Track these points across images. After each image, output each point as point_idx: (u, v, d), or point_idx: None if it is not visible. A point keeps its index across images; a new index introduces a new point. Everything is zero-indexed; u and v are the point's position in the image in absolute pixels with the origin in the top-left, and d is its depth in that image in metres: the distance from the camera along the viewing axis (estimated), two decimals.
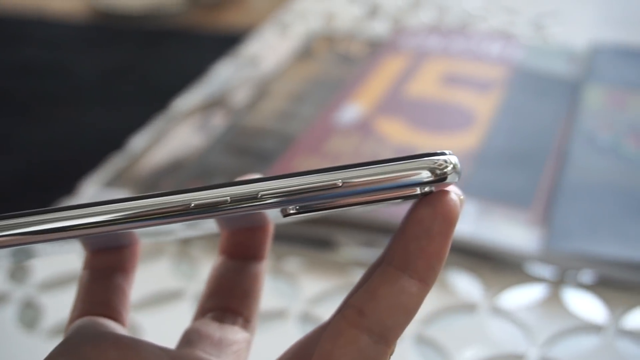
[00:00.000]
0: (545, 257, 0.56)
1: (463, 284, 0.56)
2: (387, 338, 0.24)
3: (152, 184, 0.69)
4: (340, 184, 0.22)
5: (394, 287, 0.24)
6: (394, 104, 0.77)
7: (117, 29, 2.51)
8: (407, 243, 0.24)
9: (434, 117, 0.75)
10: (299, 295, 0.56)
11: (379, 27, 1.01)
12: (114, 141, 0.89)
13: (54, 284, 0.59)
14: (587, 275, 0.55)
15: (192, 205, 0.22)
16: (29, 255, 0.34)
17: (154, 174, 0.70)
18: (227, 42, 1.24)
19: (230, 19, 2.53)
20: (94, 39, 2.48)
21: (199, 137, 0.76)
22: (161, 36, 2.43)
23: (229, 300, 0.32)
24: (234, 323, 0.31)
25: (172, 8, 2.57)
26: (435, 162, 0.23)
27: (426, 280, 0.24)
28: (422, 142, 0.70)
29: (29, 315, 0.56)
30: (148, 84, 2.12)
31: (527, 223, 0.59)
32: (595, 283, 0.55)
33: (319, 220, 0.59)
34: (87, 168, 0.75)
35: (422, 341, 0.51)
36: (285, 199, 0.23)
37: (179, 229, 0.29)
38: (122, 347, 0.26)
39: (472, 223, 0.59)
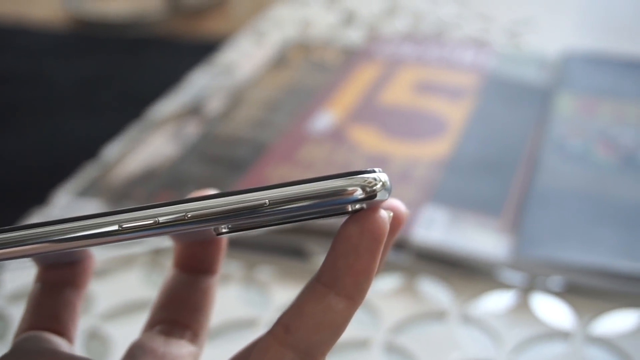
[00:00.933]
0: (514, 264, 0.57)
1: (433, 291, 0.56)
2: (313, 355, 0.24)
3: (124, 194, 0.68)
4: (267, 203, 0.23)
5: (321, 305, 0.24)
6: (367, 112, 0.78)
7: (97, 37, 2.51)
8: (335, 260, 0.24)
9: (406, 125, 0.75)
10: (270, 305, 0.56)
11: (354, 35, 1.01)
12: (92, 150, 0.89)
13: (23, 295, 0.59)
14: (556, 282, 0.56)
15: (120, 227, 0.23)
16: None
17: (127, 184, 0.70)
18: (207, 50, 1.24)
19: (211, 26, 2.52)
20: (73, 47, 2.47)
21: (173, 146, 0.76)
22: (141, 44, 2.42)
23: (178, 313, 0.31)
24: (181, 337, 0.31)
25: (153, 16, 2.57)
26: (365, 180, 0.23)
27: (354, 297, 0.24)
28: (393, 149, 0.70)
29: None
30: (127, 93, 2.11)
31: (497, 230, 0.59)
32: (564, 289, 0.55)
33: (290, 230, 0.60)
34: (62, 177, 0.74)
35: (392, 349, 0.51)
36: (213, 219, 0.23)
37: (129, 246, 0.29)
38: None
39: (443, 231, 0.59)
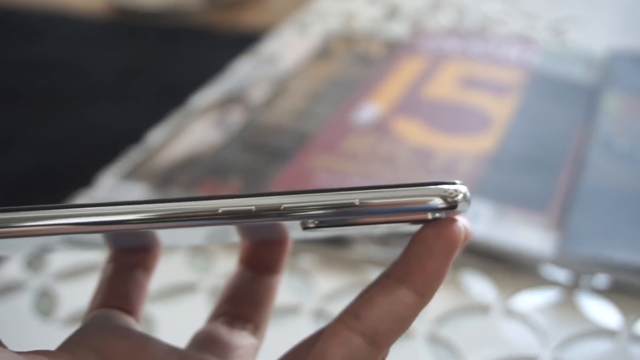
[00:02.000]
0: (559, 261, 0.56)
1: (477, 285, 0.56)
2: (379, 343, 0.25)
3: (168, 179, 0.69)
4: (358, 203, 0.24)
5: (391, 296, 0.25)
6: (412, 105, 0.78)
7: (135, 26, 2.52)
8: (408, 259, 0.25)
9: (450, 119, 0.75)
10: (312, 292, 0.56)
11: (398, 29, 1.01)
12: (129, 138, 0.89)
13: (70, 274, 0.60)
14: (601, 280, 0.55)
15: (220, 211, 0.24)
16: (48, 249, 0.35)
17: (170, 169, 0.71)
18: (243, 42, 1.24)
19: (247, 19, 2.53)
20: (110, 36, 2.49)
21: (216, 133, 0.76)
22: (178, 34, 2.44)
23: (241, 307, 0.33)
24: (243, 329, 0.32)
25: (190, 6, 2.58)
26: (447, 191, 0.24)
27: (423, 295, 0.25)
28: (438, 143, 0.70)
29: (45, 304, 0.57)
30: (164, 82, 2.12)
31: (542, 226, 0.59)
32: (609, 288, 0.55)
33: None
34: (100, 164, 0.75)
35: (435, 340, 0.51)
36: (305, 214, 0.24)
37: (201, 235, 0.29)
38: (132, 340, 0.27)
39: (487, 225, 0.59)
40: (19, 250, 0.35)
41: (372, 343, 0.25)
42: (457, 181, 0.25)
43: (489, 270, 0.57)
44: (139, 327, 0.30)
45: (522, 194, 0.63)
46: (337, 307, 0.55)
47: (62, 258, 0.61)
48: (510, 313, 0.53)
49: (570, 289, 0.55)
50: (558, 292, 0.55)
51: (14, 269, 0.60)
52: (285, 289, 0.57)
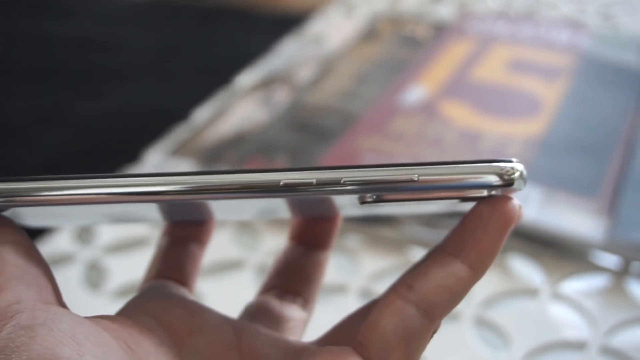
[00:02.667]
0: (609, 247, 0.56)
1: (525, 269, 0.56)
2: (432, 315, 0.25)
3: (215, 156, 0.69)
4: (417, 178, 0.24)
5: (445, 269, 0.25)
6: (459, 87, 0.77)
7: (175, 5, 2.53)
8: (463, 234, 0.25)
9: (499, 102, 0.74)
10: (359, 271, 0.57)
11: (444, 11, 1.00)
12: (170, 115, 0.90)
13: (118, 247, 0.60)
14: None
15: (281, 183, 0.24)
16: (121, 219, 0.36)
17: (217, 146, 0.71)
18: (282, 23, 1.24)
19: (287, 1, 2.53)
20: (151, 15, 2.50)
21: (262, 112, 0.76)
22: (218, 14, 2.44)
23: (291, 281, 0.33)
24: (293, 302, 0.32)
25: None
26: (504, 168, 0.24)
27: (475, 269, 0.25)
28: (486, 126, 0.70)
29: (94, 276, 0.58)
30: (204, 61, 2.13)
31: (592, 212, 0.58)
32: None
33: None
34: (142, 141, 0.76)
35: (482, 323, 0.51)
36: (365, 187, 0.24)
37: (254, 209, 0.30)
38: (188, 308, 0.28)
39: (536, 209, 0.58)
40: (86, 219, 0.36)
41: (425, 314, 0.25)
42: (513, 159, 0.25)
43: (537, 254, 0.57)
44: (193, 297, 0.31)
45: (572, 179, 0.62)
46: (382, 287, 0.55)
47: (110, 231, 0.61)
48: (559, 298, 0.53)
49: (620, 275, 0.55)
50: (607, 278, 0.55)
51: (64, 241, 0.60)
52: (332, 268, 0.57)
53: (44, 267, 0.25)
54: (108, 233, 0.61)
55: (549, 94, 0.75)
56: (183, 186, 0.24)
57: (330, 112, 0.75)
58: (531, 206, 0.59)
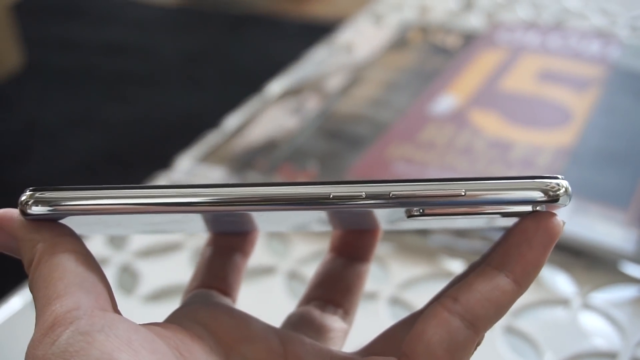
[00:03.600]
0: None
1: (556, 279, 0.56)
2: (477, 327, 0.25)
3: (246, 163, 0.70)
4: (464, 193, 0.25)
5: (490, 283, 0.25)
6: (489, 97, 0.77)
7: (204, 12, 2.55)
8: (508, 249, 0.26)
9: (529, 112, 0.74)
10: (389, 279, 0.57)
11: (474, 21, 1.01)
12: (198, 121, 0.90)
13: (150, 252, 0.61)
14: None
15: (331, 196, 0.25)
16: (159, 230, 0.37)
17: (248, 153, 0.72)
18: (309, 31, 1.25)
19: (314, 10, 2.54)
20: (180, 21, 2.52)
21: (292, 120, 0.77)
22: (246, 21, 2.46)
23: (332, 292, 0.34)
24: (334, 313, 0.33)
25: None
26: (548, 185, 0.25)
27: (520, 283, 0.25)
28: (516, 136, 0.70)
29: (126, 280, 0.58)
30: (232, 67, 2.15)
31: (623, 223, 0.58)
32: None
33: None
34: (170, 146, 0.77)
35: (513, 332, 0.51)
36: (413, 201, 0.25)
37: (297, 221, 0.31)
38: (235, 316, 0.28)
39: (567, 220, 0.58)
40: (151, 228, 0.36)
41: (470, 326, 0.25)
42: (559, 176, 0.25)
43: (568, 264, 0.57)
44: (237, 306, 0.31)
45: (603, 190, 0.62)
46: (412, 295, 0.55)
47: (143, 236, 0.62)
48: (589, 308, 0.53)
49: None
50: (638, 288, 0.55)
51: (97, 245, 0.61)
52: None
53: (101, 275, 0.26)
54: (140, 238, 0.62)
55: (579, 104, 0.75)
56: (237, 197, 0.25)
57: (361, 120, 0.76)
58: (562, 216, 0.59)
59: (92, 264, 0.26)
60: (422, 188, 0.25)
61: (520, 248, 0.25)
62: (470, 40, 0.92)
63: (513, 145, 0.68)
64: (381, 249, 0.60)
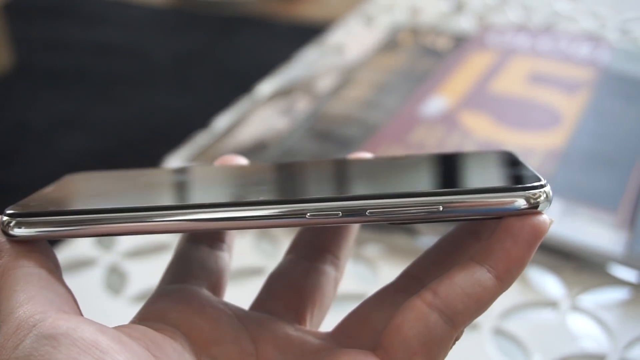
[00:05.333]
0: (629, 261, 0.56)
1: (544, 281, 0.56)
2: (455, 322, 0.25)
3: None
4: (441, 209, 0.25)
5: (471, 278, 0.25)
6: (479, 99, 0.77)
7: (195, 14, 2.55)
8: (491, 244, 0.25)
9: (519, 114, 0.74)
10: (378, 280, 0.57)
11: (465, 23, 1.01)
12: (189, 122, 0.90)
13: (139, 252, 0.61)
14: None
15: (307, 215, 0.25)
16: None
17: (238, 154, 0.71)
18: (300, 33, 1.25)
19: (305, 11, 2.54)
20: (172, 23, 2.52)
21: (282, 121, 0.77)
22: (237, 23, 2.46)
23: (320, 238, 0.33)
24: (323, 262, 0.32)
25: None
26: (530, 193, 0.25)
27: (502, 280, 0.25)
28: (506, 138, 0.70)
29: (114, 281, 0.58)
30: (223, 69, 2.14)
31: (613, 225, 0.58)
32: None
33: None
34: (161, 146, 0.76)
35: (502, 334, 0.51)
36: (389, 217, 0.25)
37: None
38: (205, 317, 0.28)
39: (556, 222, 0.58)
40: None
41: (448, 321, 0.25)
42: (543, 181, 0.25)
43: (557, 266, 0.57)
44: (213, 299, 0.30)
45: (592, 192, 0.62)
46: None
47: (131, 237, 0.62)
48: (578, 310, 0.53)
49: (639, 289, 0.55)
50: (627, 291, 0.55)
51: (85, 246, 0.61)
52: (352, 276, 0.57)
53: (66, 288, 0.26)
54: (128, 239, 0.62)
55: (569, 106, 0.75)
56: (210, 219, 0.26)
57: (351, 122, 0.76)
58: (551, 218, 0.59)
59: (57, 278, 0.26)
60: (398, 204, 0.25)
61: (504, 244, 0.25)
62: (460, 42, 0.92)
63: (503, 147, 0.68)
64: (370, 250, 0.59)
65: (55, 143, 1.79)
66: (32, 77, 2.11)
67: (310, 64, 0.91)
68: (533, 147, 0.68)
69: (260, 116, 0.78)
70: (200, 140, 0.75)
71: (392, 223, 0.26)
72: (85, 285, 0.57)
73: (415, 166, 0.32)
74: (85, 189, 0.32)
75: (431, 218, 0.25)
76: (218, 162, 0.34)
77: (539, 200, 0.25)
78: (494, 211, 0.25)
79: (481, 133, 0.71)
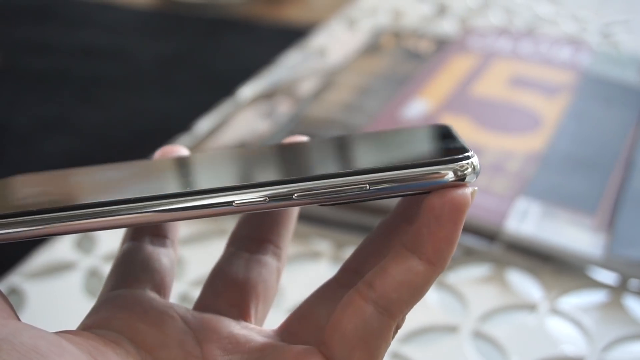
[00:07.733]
0: (607, 264, 0.56)
1: (522, 283, 0.56)
2: (392, 312, 0.25)
3: None
4: (368, 188, 0.25)
5: (403, 266, 0.25)
6: (461, 102, 0.77)
7: (179, 16, 2.54)
8: (419, 228, 0.25)
9: (500, 117, 0.75)
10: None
11: (447, 26, 1.01)
12: (172, 124, 0.90)
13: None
14: None
15: (235, 203, 0.25)
16: None
17: None
18: (284, 35, 1.25)
19: (289, 14, 2.54)
20: (156, 25, 2.51)
21: (264, 124, 0.77)
22: (221, 26, 2.45)
23: (259, 228, 0.32)
24: (264, 253, 0.32)
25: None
26: (456, 165, 0.25)
27: (434, 262, 0.25)
28: (487, 141, 0.70)
29: (94, 284, 0.58)
30: (207, 72, 2.14)
31: (591, 228, 0.59)
32: None
33: (377, 210, 0.60)
34: (145, 149, 0.76)
35: (480, 337, 0.52)
36: (317, 200, 0.25)
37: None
38: (149, 321, 0.28)
39: (535, 224, 0.59)
40: None
41: (384, 312, 0.25)
42: (470, 153, 0.25)
43: (536, 269, 0.57)
44: (158, 302, 0.29)
45: (571, 195, 0.63)
46: None
47: (111, 240, 0.62)
48: (557, 313, 0.53)
49: (618, 291, 0.55)
50: (605, 294, 0.55)
51: (65, 249, 0.61)
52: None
53: (1, 295, 0.25)
54: (108, 241, 0.62)
55: (550, 110, 0.76)
56: (139, 216, 0.25)
57: (333, 125, 0.76)
58: (530, 221, 0.59)
59: None
60: (325, 185, 0.25)
61: (430, 227, 0.25)
62: (442, 45, 0.92)
63: (484, 150, 0.69)
64: (348, 253, 0.59)
65: (38, 145, 1.78)
66: (15, 79, 2.10)
67: (293, 67, 0.91)
68: (513, 150, 0.69)
69: (243, 119, 0.78)
70: (182, 142, 0.75)
71: (322, 204, 0.26)
72: (65, 289, 0.57)
73: (347, 146, 0.32)
74: (20, 191, 0.31)
75: (360, 197, 0.25)
76: (159, 153, 0.33)
77: (465, 172, 0.25)
78: (422, 186, 0.25)
79: (462, 136, 0.71)
